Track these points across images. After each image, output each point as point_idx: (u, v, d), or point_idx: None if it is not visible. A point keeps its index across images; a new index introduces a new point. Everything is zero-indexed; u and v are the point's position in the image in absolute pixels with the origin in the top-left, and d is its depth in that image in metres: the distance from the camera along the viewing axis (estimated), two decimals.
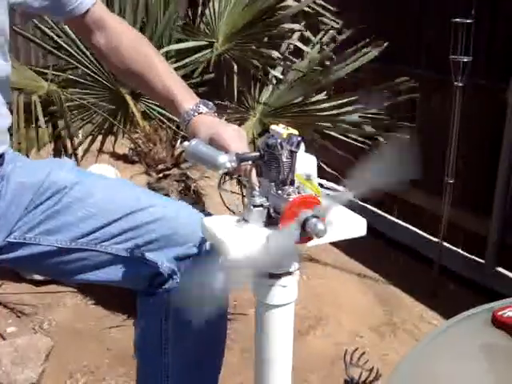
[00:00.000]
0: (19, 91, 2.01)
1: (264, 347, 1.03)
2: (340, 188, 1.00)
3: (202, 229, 0.99)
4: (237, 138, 1.00)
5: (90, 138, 2.37)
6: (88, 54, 2.22)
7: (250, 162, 0.95)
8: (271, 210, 0.92)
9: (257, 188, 0.94)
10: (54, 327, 2.46)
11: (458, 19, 2.47)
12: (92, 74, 2.25)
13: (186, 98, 1.13)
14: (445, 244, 2.81)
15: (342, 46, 2.35)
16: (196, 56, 2.17)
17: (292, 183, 0.91)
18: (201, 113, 1.10)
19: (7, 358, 2.07)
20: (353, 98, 2.18)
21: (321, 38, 2.28)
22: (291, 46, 2.27)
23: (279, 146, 0.89)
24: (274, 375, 1.05)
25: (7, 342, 2.15)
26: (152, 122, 2.24)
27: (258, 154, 0.92)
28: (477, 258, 2.79)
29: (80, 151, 2.44)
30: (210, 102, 1.12)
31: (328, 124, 2.18)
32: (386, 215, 3.31)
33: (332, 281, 2.93)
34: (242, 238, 0.91)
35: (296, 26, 2.22)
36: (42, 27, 2.24)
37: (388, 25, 3.05)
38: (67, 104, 2.14)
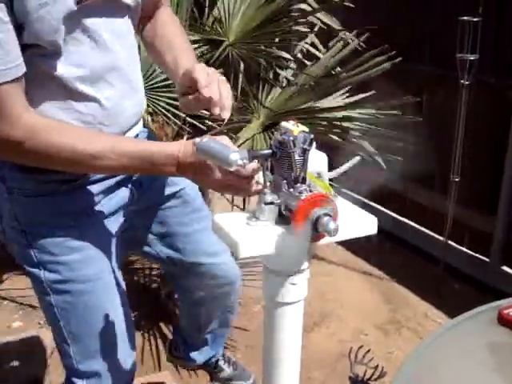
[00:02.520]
0: None
1: (273, 345, 1.03)
2: (346, 165, 1.00)
3: (212, 226, 1.00)
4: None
5: None
6: None
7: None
8: (282, 208, 0.92)
9: (268, 185, 0.94)
10: None
11: (464, 17, 2.47)
12: None
13: (186, 62, 1.23)
14: (450, 242, 2.81)
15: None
16: (203, 52, 2.16)
17: (304, 181, 0.91)
18: None
19: (13, 352, 2.07)
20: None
21: (335, 42, 2.25)
22: (304, 49, 2.25)
23: (292, 144, 0.89)
24: (282, 372, 1.06)
25: (13, 336, 2.15)
26: (157, 117, 2.23)
27: (270, 151, 0.92)
28: (482, 257, 2.80)
29: None
30: None
31: (336, 130, 2.16)
32: (390, 213, 3.31)
33: (337, 278, 2.93)
34: (252, 236, 0.92)
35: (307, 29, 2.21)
36: None
37: (394, 22, 3.04)
38: None
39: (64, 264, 1.21)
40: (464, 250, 2.88)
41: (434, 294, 2.71)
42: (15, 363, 2.04)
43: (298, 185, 0.90)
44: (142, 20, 1.32)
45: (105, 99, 1.14)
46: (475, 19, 2.45)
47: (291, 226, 0.87)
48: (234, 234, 0.91)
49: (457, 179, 2.65)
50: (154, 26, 1.36)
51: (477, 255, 2.82)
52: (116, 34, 1.15)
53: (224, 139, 1.01)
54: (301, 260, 0.97)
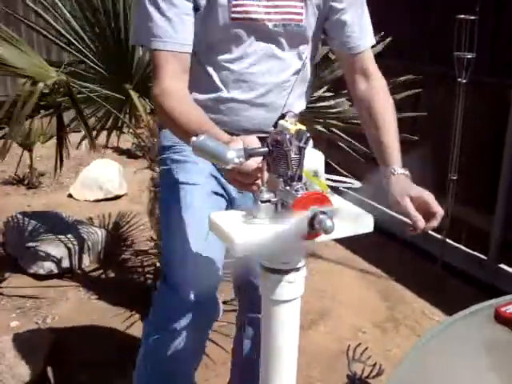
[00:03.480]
0: (27, 79, 1.97)
1: (271, 342, 1.04)
2: (347, 180, 1.00)
3: (209, 224, 1.00)
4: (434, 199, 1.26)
5: (95, 132, 2.36)
6: (95, 50, 2.21)
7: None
8: (279, 206, 0.92)
9: (264, 183, 0.94)
10: (57, 321, 2.47)
11: (462, 16, 2.47)
12: (98, 68, 2.24)
13: (397, 160, 1.33)
14: (448, 240, 2.81)
15: None
16: None
17: (300, 179, 0.91)
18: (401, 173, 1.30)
19: (11, 351, 2.07)
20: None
21: None
22: None
23: (288, 142, 0.89)
24: (280, 370, 1.06)
25: (11, 335, 2.15)
26: (156, 117, 2.23)
27: (266, 149, 0.92)
28: (479, 255, 2.80)
29: (84, 146, 2.44)
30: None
31: (332, 121, 2.17)
32: (388, 211, 3.31)
33: (334, 276, 2.93)
34: (249, 233, 0.92)
35: None
36: (53, 23, 2.23)
37: (392, 20, 3.05)
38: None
39: (180, 167, 1.41)
40: (462, 247, 2.89)
41: (431, 292, 2.71)
42: (13, 362, 2.04)
43: (295, 183, 0.90)
44: (350, 75, 1.42)
45: (231, 99, 1.33)
46: (472, 17, 2.45)
47: (288, 224, 0.87)
48: (230, 233, 0.92)
49: (454, 177, 2.65)
50: (371, 105, 1.38)
51: (474, 253, 2.83)
52: (266, 55, 1.31)
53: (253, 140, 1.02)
54: (297, 258, 0.97)
